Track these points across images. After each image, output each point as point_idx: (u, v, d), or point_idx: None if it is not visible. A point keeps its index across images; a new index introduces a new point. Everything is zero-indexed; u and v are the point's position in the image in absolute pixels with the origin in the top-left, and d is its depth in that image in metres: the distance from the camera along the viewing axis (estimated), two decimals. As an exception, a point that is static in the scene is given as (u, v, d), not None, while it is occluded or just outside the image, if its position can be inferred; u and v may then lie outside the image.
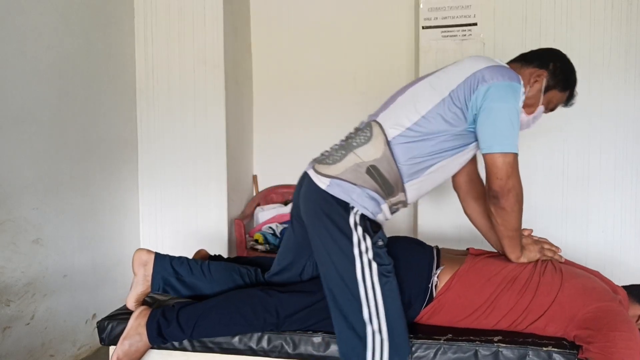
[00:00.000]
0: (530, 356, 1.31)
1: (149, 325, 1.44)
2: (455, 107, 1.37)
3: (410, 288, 1.42)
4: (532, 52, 1.56)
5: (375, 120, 1.45)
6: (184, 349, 1.48)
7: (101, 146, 2.39)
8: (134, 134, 2.67)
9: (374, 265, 1.32)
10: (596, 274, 1.54)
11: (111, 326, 1.51)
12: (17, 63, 1.88)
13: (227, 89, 2.62)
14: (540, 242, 1.55)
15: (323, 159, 1.46)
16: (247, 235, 2.77)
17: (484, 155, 1.36)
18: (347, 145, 1.44)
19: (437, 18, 2.60)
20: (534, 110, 1.50)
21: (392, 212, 1.46)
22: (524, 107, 1.44)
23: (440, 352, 1.35)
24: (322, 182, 1.39)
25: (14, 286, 1.87)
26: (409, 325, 1.44)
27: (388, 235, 1.70)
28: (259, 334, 1.44)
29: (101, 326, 1.53)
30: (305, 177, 1.47)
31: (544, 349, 1.31)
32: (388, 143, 1.39)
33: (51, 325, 2.06)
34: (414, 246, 1.55)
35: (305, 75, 2.97)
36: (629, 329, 1.24)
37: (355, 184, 1.36)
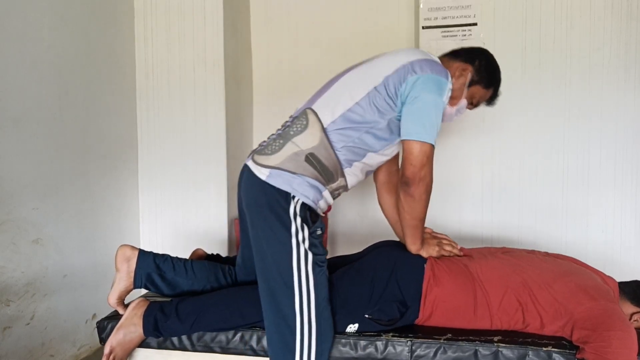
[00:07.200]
0: (530, 356, 1.31)
1: (145, 318, 1.44)
2: (387, 95, 1.39)
3: (407, 291, 1.42)
4: (462, 48, 1.61)
5: (310, 108, 1.46)
6: (184, 349, 1.48)
7: (101, 146, 2.39)
8: (134, 134, 2.67)
9: (310, 255, 1.34)
10: (586, 266, 1.54)
11: (111, 326, 1.51)
12: (17, 63, 1.88)
13: (227, 89, 2.61)
14: (438, 237, 1.59)
15: (262, 150, 1.46)
16: (247, 235, 2.76)
17: (403, 141, 1.40)
18: (284, 134, 1.45)
19: (437, 18, 2.60)
20: (457, 103, 1.54)
21: (334, 197, 1.48)
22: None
23: (440, 352, 1.35)
24: (261, 173, 1.39)
25: (14, 286, 1.87)
26: (411, 327, 1.45)
27: (389, 237, 1.71)
28: (260, 333, 1.44)
29: (101, 326, 1.54)
30: (245, 169, 1.47)
31: (544, 349, 1.31)
32: (324, 130, 1.40)
33: (51, 325, 2.06)
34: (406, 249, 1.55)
35: (305, 75, 2.96)
36: (625, 328, 1.23)
37: (295, 173, 1.37)
